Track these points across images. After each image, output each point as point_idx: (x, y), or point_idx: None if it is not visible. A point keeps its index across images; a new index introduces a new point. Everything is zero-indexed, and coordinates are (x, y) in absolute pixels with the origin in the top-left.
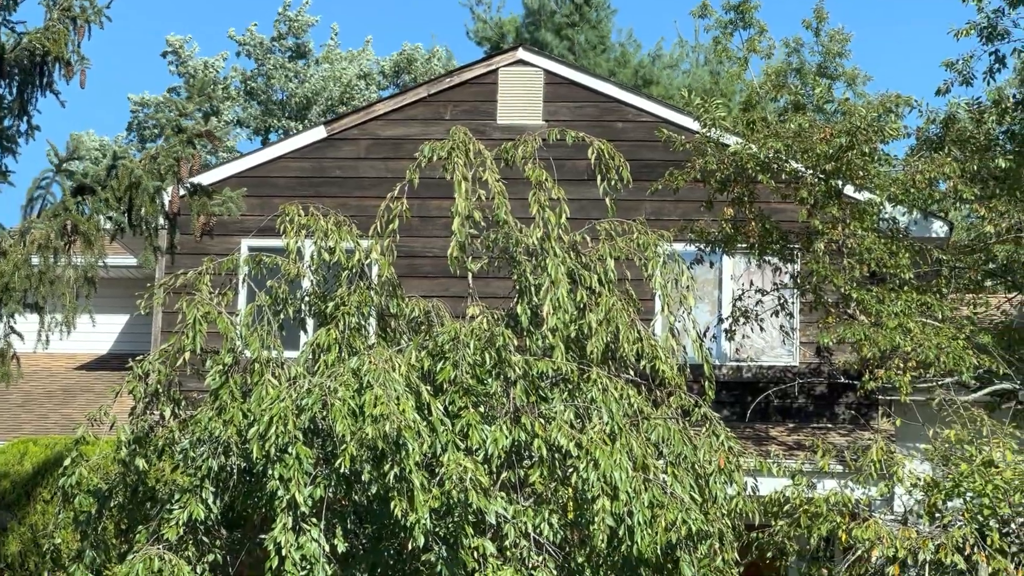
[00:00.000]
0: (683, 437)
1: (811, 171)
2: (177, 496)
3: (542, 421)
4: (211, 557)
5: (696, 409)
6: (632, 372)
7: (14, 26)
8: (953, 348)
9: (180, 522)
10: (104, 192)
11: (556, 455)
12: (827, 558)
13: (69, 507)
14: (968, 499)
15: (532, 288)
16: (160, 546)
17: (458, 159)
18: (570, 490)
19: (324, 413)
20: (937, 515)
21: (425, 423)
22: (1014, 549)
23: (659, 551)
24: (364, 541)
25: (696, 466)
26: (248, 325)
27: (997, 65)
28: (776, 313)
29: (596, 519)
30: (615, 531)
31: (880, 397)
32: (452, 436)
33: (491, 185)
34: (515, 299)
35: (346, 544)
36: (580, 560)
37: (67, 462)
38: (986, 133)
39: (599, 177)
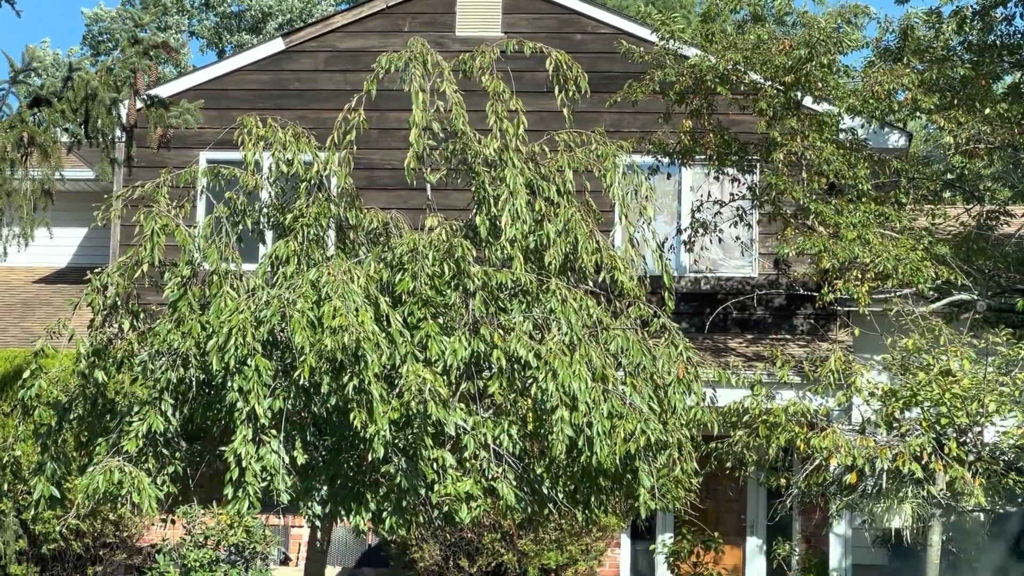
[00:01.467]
0: (642, 348)
1: (770, 83)
2: (136, 408)
3: (501, 332)
4: (171, 469)
5: (655, 320)
6: (591, 283)
7: None
8: (911, 259)
9: (139, 434)
10: (60, 104)
11: (515, 366)
12: (785, 468)
13: (29, 420)
14: (925, 408)
15: (491, 199)
16: (120, 458)
17: (416, 70)
18: (529, 401)
19: (283, 325)
20: (895, 424)
21: (384, 334)
22: (971, 458)
23: (618, 461)
24: (323, 453)
25: (655, 376)
26: (206, 237)
27: None
28: (735, 224)
29: (555, 430)
30: (574, 441)
31: (838, 308)
32: (411, 347)
33: (449, 96)
34: (474, 210)
35: (305, 456)
36: (540, 471)
37: (26, 375)
38: (944, 43)
39: (557, 88)
